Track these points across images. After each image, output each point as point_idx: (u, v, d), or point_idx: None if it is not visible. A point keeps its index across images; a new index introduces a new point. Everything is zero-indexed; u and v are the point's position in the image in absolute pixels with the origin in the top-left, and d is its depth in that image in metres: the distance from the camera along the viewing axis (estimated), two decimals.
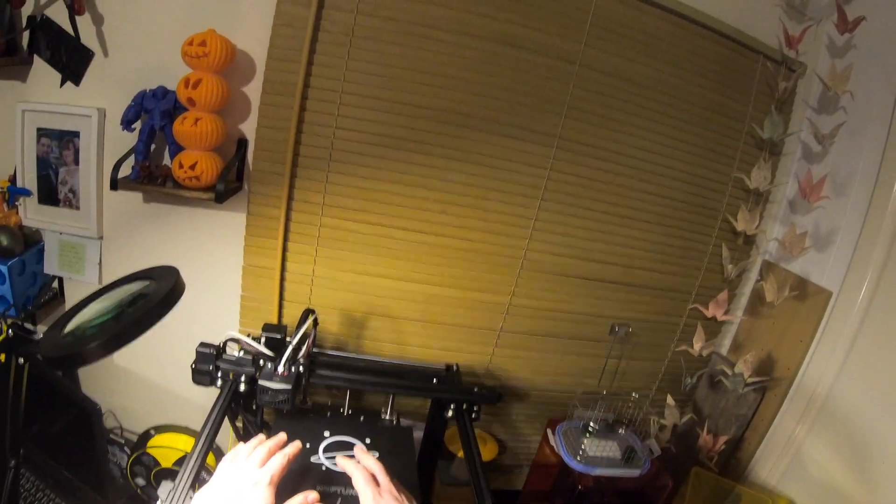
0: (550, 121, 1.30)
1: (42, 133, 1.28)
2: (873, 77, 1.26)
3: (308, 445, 1.05)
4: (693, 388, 1.55)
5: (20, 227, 1.36)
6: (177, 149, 1.20)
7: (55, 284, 1.44)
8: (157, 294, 0.78)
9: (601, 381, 1.31)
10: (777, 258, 1.46)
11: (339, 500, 0.94)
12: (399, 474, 1.03)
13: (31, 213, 1.34)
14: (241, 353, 1.12)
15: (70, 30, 1.17)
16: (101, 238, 1.36)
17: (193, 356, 1.08)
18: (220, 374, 1.08)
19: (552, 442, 1.24)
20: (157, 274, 0.85)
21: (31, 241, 1.37)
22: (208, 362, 1.08)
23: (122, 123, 1.19)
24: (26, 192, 1.32)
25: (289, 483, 0.94)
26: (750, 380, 1.36)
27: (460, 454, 1.40)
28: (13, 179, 1.33)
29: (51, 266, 1.39)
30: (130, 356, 1.46)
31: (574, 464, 1.18)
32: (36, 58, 1.22)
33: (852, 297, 1.26)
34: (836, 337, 1.29)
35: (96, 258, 1.37)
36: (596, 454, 1.21)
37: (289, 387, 1.04)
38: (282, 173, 1.23)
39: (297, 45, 1.15)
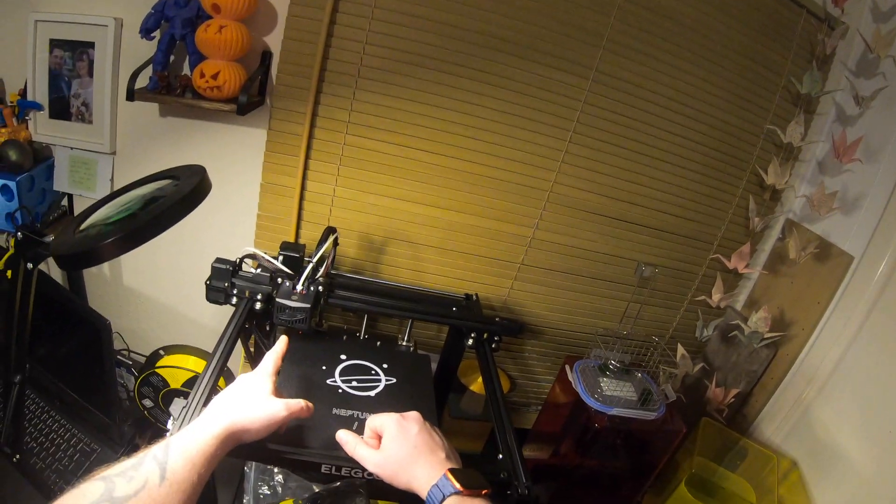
0: (588, 52, 1.25)
1: (55, 44, 1.23)
2: None
3: (325, 368, 1.04)
4: (707, 339, 1.54)
5: (30, 142, 1.32)
6: (197, 59, 1.15)
7: (64, 202, 1.41)
8: (180, 191, 0.74)
9: (622, 322, 1.29)
10: (801, 217, 1.44)
11: (356, 424, 0.93)
12: (417, 400, 1.02)
13: (42, 128, 1.31)
14: (259, 270, 1.09)
15: None
16: (113, 153, 1.33)
17: (204, 276, 1.05)
18: (235, 292, 1.05)
19: (570, 378, 1.23)
20: (182, 172, 0.81)
21: (40, 157, 1.34)
22: (224, 279, 1.05)
23: (140, 32, 1.14)
24: (37, 106, 1.28)
25: None
26: (767, 335, 1.35)
27: (472, 387, 1.39)
28: (23, 93, 1.29)
29: (61, 183, 1.36)
30: (139, 276, 1.44)
31: (591, 401, 1.17)
32: None
33: (874, 263, 1.24)
34: (854, 302, 1.27)
35: (108, 174, 1.34)
36: (613, 394, 1.20)
37: (307, 305, 1.02)
38: (307, 88, 1.18)
39: None
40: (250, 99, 1.13)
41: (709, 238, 1.49)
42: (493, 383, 1.05)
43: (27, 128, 1.31)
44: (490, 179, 1.34)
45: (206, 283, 1.05)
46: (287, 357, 1.04)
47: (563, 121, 1.30)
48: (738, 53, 1.32)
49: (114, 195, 0.82)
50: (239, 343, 1.00)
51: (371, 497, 1.21)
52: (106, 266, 1.44)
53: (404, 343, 1.20)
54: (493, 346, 1.17)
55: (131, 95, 1.14)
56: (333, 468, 0.79)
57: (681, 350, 1.50)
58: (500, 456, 0.89)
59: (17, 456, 0.85)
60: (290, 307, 1.01)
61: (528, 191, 1.36)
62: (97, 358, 1.14)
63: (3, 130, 1.28)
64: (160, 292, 1.44)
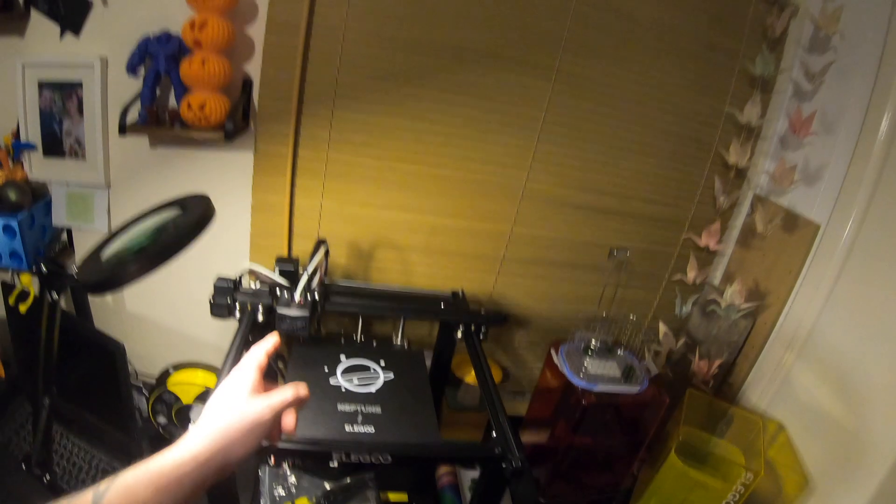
0: (548, 55, 1.32)
1: (44, 86, 1.29)
2: (863, 18, 1.28)
3: (326, 369, 1.11)
4: (687, 315, 1.63)
5: (26, 181, 1.37)
6: (182, 91, 1.22)
7: (64, 236, 1.47)
8: (189, 218, 0.81)
9: (600, 305, 1.37)
10: (767, 191, 1.51)
11: (360, 416, 1.01)
12: (414, 393, 1.10)
13: (37, 167, 1.36)
14: (258, 285, 1.17)
15: None
16: (108, 186, 1.38)
17: (203, 296, 1.13)
18: (237, 306, 1.13)
19: (556, 361, 1.30)
20: (187, 201, 0.89)
21: (38, 195, 1.39)
22: (226, 295, 1.13)
23: (127, 69, 1.21)
24: (31, 146, 1.33)
25: (312, 402, 0.99)
26: (742, 307, 1.43)
27: (467, 379, 1.47)
28: (16, 134, 1.34)
29: (59, 218, 1.40)
30: (142, 301, 1.50)
31: (577, 381, 1.25)
32: (33, 11, 1.22)
33: (840, 229, 1.31)
34: (823, 268, 1.34)
35: (105, 206, 1.40)
36: (597, 372, 1.27)
37: (307, 313, 1.10)
38: (288, 110, 1.26)
39: None
40: (236, 125, 1.20)
41: (680, 219, 1.57)
42: (483, 369, 1.13)
43: (23, 168, 1.36)
44: (467, 182, 1.41)
45: (209, 300, 1.12)
46: (291, 363, 1.12)
47: (531, 121, 1.38)
48: (693, 42, 1.39)
49: (126, 226, 0.88)
50: None
51: (380, 489, 1.29)
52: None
53: (398, 342, 1.28)
54: (481, 336, 1.25)
55: (123, 130, 1.20)
56: (343, 456, 0.85)
57: (663, 328, 1.58)
58: (494, 434, 0.96)
59: (48, 476, 0.91)
60: (291, 316, 1.08)
61: (504, 190, 1.44)
62: (113, 379, 1.19)
63: (0, 172, 1.34)
64: (164, 314, 1.50)
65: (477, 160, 1.39)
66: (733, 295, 1.44)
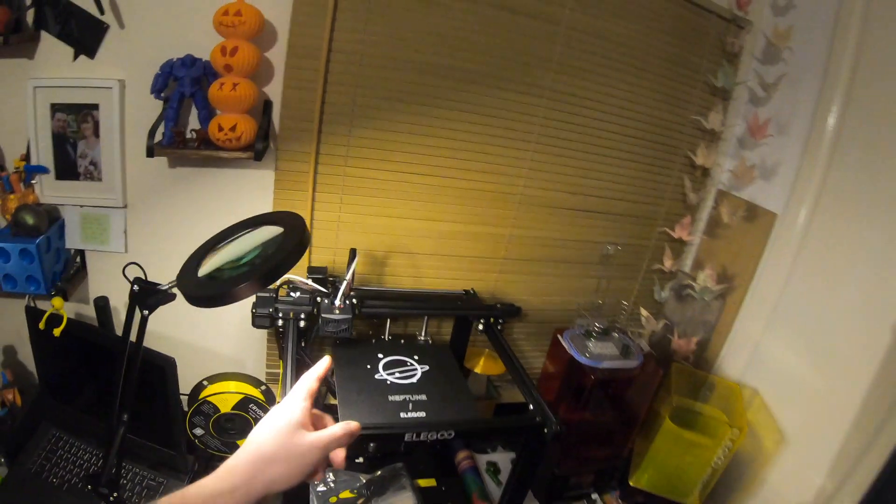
0: (540, 75, 1.47)
1: (57, 108, 1.29)
2: (810, 34, 1.48)
3: (369, 367, 1.21)
4: (665, 300, 1.82)
5: (38, 204, 1.36)
6: (207, 113, 1.28)
7: (77, 259, 1.47)
8: (292, 239, 0.81)
9: (596, 294, 1.54)
10: (729, 187, 1.72)
11: (411, 404, 1.11)
12: (451, 382, 1.22)
13: (49, 190, 1.36)
14: (297, 294, 1.25)
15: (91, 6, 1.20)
16: (125, 207, 1.39)
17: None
18: (280, 315, 1.20)
19: (564, 344, 1.46)
20: (282, 218, 0.89)
21: (50, 219, 1.38)
22: (268, 305, 1.20)
23: (152, 92, 1.25)
24: (44, 170, 1.33)
25: (362, 397, 1.09)
26: (715, 289, 1.64)
27: (476, 370, 1.59)
28: (25, 157, 1.34)
29: (73, 240, 1.40)
30: (165, 323, 1.51)
31: (584, 360, 1.40)
32: (43, 33, 1.23)
33: (794, 216, 1.50)
34: (782, 250, 1.53)
35: (122, 227, 1.41)
36: (599, 352, 1.43)
37: (349, 316, 1.19)
38: (310, 130, 1.34)
39: (320, 12, 1.25)
40: (265, 145, 1.27)
41: (655, 215, 1.77)
42: (508, 354, 1.26)
43: (34, 191, 1.35)
44: (470, 191, 1.54)
45: (252, 311, 1.19)
46: (336, 365, 1.21)
47: (526, 134, 1.53)
48: (662, 60, 1.58)
49: (217, 242, 0.90)
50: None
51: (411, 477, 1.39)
52: (122, 309, 1.51)
53: (422, 338, 1.39)
54: (499, 327, 1.38)
55: (151, 152, 1.23)
56: (414, 435, 0.96)
57: (644, 313, 1.77)
58: (531, 407, 1.10)
59: (115, 495, 0.94)
60: (336, 319, 1.18)
61: (503, 196, 1.58)
62: (162, 394, 1.23)
63: (13, 197, 1.32)
64: (188, 334, 1.51)
65: (479, 170, 1.53)
66: (705, 279, 1.64)
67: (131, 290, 0.82)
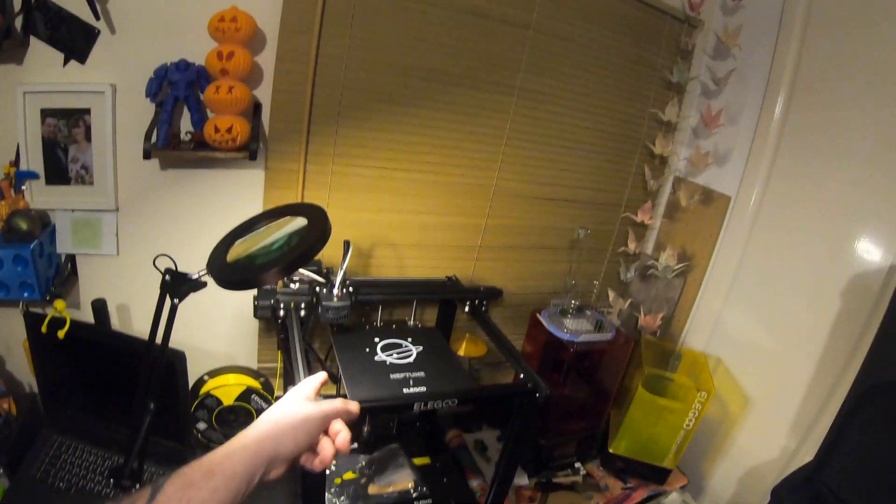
0: (511, 75, 1.59)
1: (47, 113, 1.29)
2: (756, 33, 1.63)
3: (368, 350, 1.30)
4: (630, 280, 1.97)
5: (28, 210, 1.37)
6: (200, 116, 1.34)
7: (68, 264, 1.48)
8: (315, 230, 0.88)
9: (568, 277, 1.67)
10: (686, 174, 1.87)
11: (411, 381, 1.20)
12: (446, 360, 1.31)
13: (39, 195, 1.36)
14: (296, 286, 1.32)
15: (84, 12, 1.22)
16: (116, 210, 1.41)
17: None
18: (282, 305, 1.27)
19: (543, 322, 1.57)
20: (305, 210, 0.95)
21: (42, 223, 1.39)
22: (269, 297, 1.27)
23: (147, 95, 1.29)
24: (34, 175, 1.34)
25: (366, 378, 1.18)
26: (676, 267, 1.79)
27: (459, 352, 1.68)
28: (14, 163, 1.34)
29: (64, 245, 1.41)
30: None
31: (562, 335, 1.51)
32: (32, 38, 1.24)
33: (747, 198, 1.65)
34: (736, 229, 1.68)
35: (113, 230, 1.42)
36: (576, 328, 1.55)
37: (347, 303, 1.27)
38: (300, 130, 1.41)
39: (308, 19, 1.32)
40: (258, 145, 1.34)
41: (618, 201, 1.91)
42: (494, 332, 1.36)
43: (24, 197, 1.35)
44: (448, 184, 1.64)
45: (254, 302, 1.26)
46: (337, 350, 1.28)
47: (499, 130, 1.64)
48: (622, 58, 1.72)
49: (244, 230, 0.95)
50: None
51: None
52: (115, 312, 1.53)
53: (412, 322, 1.48)
54: (483, 308, 1.49)
55: (148, 154, 1.27)
56: (422, 405, 1.05)
57: (611, 293, 1.91)
58: (522, 375, 1.20)
59: (137, 487, 0.94)
60: (336, 306, 1.25)
61: (478, 188, 1.69)
62: (171, 388, 1.25)
63: (4, 203, 1.31)
64: (185, 333, 1.52)
65: (456, 165, 1.63)
66: (667, 259, 1.78)
67: (163, 279, 0.86)
